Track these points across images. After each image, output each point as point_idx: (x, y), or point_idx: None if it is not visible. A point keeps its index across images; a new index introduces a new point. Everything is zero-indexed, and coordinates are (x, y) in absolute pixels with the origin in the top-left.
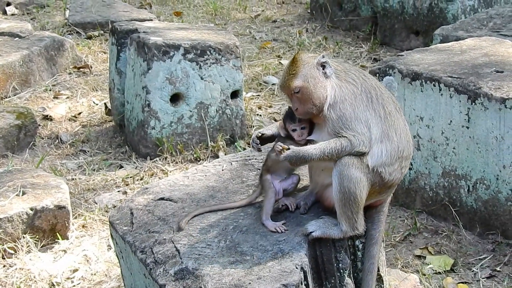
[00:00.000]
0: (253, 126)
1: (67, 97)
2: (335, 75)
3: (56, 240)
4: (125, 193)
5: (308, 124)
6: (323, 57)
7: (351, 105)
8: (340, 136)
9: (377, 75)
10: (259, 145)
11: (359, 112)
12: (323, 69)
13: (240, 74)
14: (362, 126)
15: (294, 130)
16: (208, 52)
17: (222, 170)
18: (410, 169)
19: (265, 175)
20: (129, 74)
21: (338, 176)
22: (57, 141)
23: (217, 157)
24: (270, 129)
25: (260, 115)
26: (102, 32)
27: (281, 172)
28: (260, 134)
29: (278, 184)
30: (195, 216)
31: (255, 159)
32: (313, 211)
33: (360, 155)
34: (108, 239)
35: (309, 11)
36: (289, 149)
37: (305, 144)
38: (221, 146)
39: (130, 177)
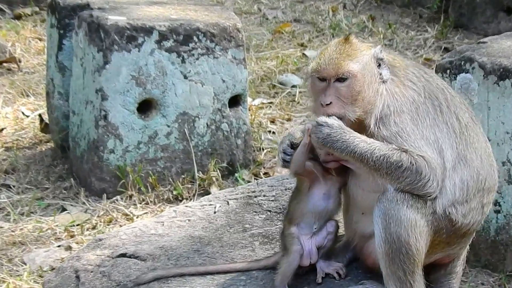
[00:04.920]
0: (263, 149)
1: None
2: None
3: None
4: (69, 248)
5: None
6: (381, 51)
7: (412, 119)
8: (402, 150)
9: (448, 72)
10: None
11: (424, 129)
12: (378, 67)
13: (244, 71)
14: (430, 149)
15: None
16: (195, 39)
17: (215, 212)
18: (497, 211)
19: (288, 228)
20: (76, 72)
21: (383, 217)
22: None
23: (208, 193)
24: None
25: (274, 133)
26: (36, 9)
27: (311, 220)
28: (294, 140)
29: (309, 241)
30: (171, 276)
31: (264, 196)
32: (351, 274)
33: (426, 196)
34: None
35: None
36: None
37: (338, 172)
38: (214, 179)
39: (77, 225)
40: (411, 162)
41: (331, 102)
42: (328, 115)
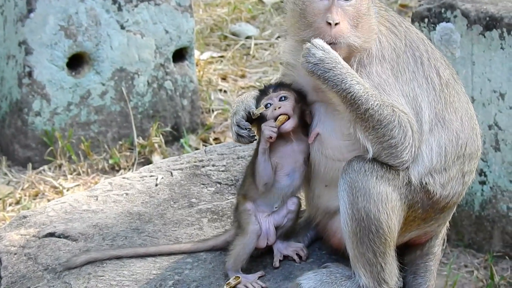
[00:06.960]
0: (213, 111)
1: None
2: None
3: None
4: None
5: (293, 97)
6: None
7: (393, 69)
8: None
9: (426, 21)
10: (251, 130)
11: (404, 83)
12: None
13: (190, 20)
14: (410, 109)
15: (268, 106)
16: None
17: (157, 185)
18: (483, 182)
19: (243, 204)
20: None
21: (349, 190)
22: None
23: (149, 163)
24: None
25: (226, 92)
26: None
27: (272, 199)
28: (250, 110)
29: (266, 220)
30: (106, 259)
31: (213, 165)
32: (313, 255)
33: (399, 166)
34: None
35: None
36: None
37: (296, 137)
38: (156, 146)
39: None
40: (400, 120)
41: (339, 22)
42: (335, 39)
